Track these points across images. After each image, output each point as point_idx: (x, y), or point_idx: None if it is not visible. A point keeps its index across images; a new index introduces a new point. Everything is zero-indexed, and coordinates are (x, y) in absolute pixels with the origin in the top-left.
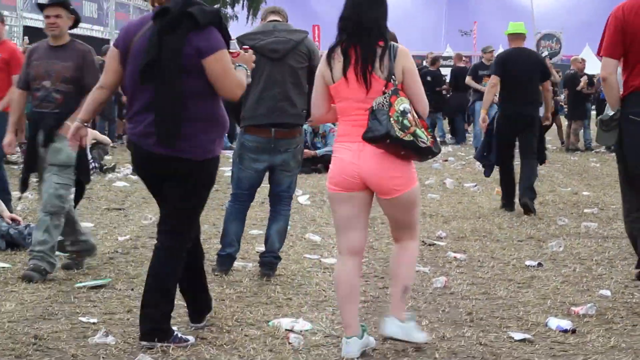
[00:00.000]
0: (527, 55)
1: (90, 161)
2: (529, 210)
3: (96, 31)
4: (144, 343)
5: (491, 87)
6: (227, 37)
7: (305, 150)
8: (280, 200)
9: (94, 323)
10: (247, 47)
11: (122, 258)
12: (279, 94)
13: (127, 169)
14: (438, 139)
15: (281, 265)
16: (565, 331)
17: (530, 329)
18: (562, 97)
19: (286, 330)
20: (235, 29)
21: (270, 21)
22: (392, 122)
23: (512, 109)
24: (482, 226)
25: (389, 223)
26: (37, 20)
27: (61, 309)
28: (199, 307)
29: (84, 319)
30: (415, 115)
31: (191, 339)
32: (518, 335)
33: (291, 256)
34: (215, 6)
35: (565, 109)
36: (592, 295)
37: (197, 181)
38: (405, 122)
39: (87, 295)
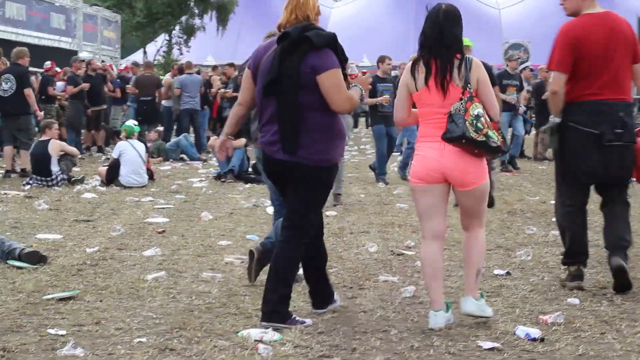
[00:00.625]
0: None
1: (59, 173)
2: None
3: (64, 42)
4: (263, 323)
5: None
6: (342, 58)
7: None
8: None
9: (62, 335)
10: (364, 71)
11: (91, 270)
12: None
13: (96, 180)
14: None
15: None
16: (534, 340)
17: (499, 337)
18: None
19: (255, 341)
20: (204, 40)
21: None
22: (467, 125)
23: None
24: (451, 235)
25: (461, 212)
26: None
27: (29, 321)
28: (320, 295)
29: (52, 331)
30: (487, 118)
31: (308, 321)
32: (487, 344)
33: None
34: (183, 17)
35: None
36: (560, 304)
37: (315, 185)
38: (479, 124)
39: (56, 307)
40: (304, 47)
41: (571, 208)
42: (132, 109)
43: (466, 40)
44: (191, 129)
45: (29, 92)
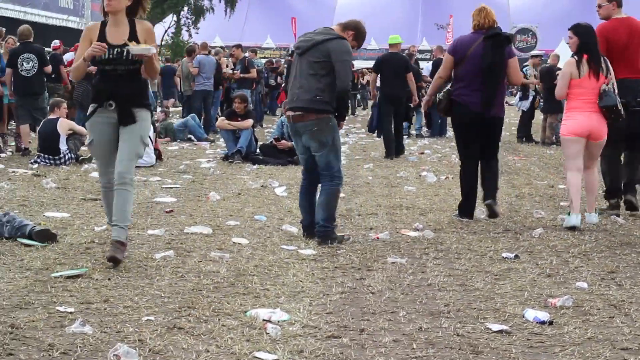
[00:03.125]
0: (397, 58)
1: (67, 152)
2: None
3: (72, 22)
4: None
5: (372, 81)
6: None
7: (282, 142)
8: (322, 178)
9: (71, 312)
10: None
11: (99, 248)
12: (298, 83)
13: None
14: (414, 132)
15: (258, 256)
16: (543, 323)
17: (507, 320)
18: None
19: (264, 320)
20: (212, 22)
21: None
22: (617, 98)
23: (389, 92)
24: (459, 218)
25: (588, 157)
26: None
27: (38, 298)
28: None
29: (61, 309)
30: None
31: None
32: (495, 327)
33: (268, 247)
34: None
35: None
36: (568, 288)
37: (500, 130)
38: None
39: (64, 284)
40: (505, 43)
41: (610, 158)
42: None
43: (397, 39)
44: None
45: (49, 70)
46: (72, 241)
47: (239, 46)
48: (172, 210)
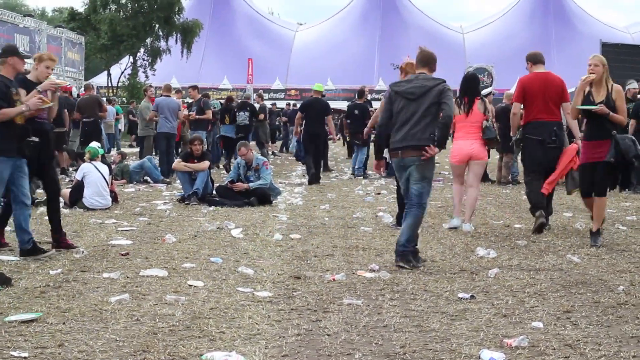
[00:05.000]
0: (320, 102)
1: None
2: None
3: (28, 64)
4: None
5: (297, 119)
6: None
7: (238, 184)
8: (411, 205)
9: (25, 358)
10: None
11: (54, 292)
12: (412, 123)
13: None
14: (355, 172)
15: (214, 298)
16: None
17: None
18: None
19: None
20: (169, 63)
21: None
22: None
23: (312, 131)
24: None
25: (470, 175)
26: None
27: None
28: None
29: (15, 354)
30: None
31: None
32: None
33: (224, 289)
34: (148, 40)
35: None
36: (524, 328)
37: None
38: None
39: (18, 329)
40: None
41: (530, 182)
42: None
43: (320, 86)
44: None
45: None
46: (27, 285)
47: (195, 87)
48: (127, 253)
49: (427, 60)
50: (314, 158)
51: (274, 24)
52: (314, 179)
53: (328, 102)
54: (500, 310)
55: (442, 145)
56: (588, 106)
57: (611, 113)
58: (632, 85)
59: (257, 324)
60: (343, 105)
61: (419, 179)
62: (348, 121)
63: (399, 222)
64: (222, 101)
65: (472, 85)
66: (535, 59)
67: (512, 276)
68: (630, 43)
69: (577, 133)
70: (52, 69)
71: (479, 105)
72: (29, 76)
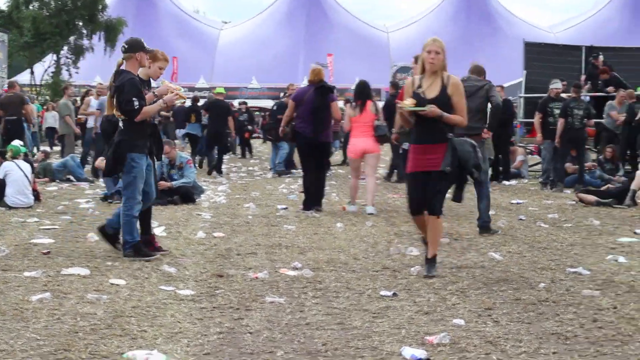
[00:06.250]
0: (222, 103)
1: None
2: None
3: None
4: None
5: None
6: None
7: (161, 182)
8: (480, 184)
9: None
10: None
11: None
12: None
13: None
14: (276, 168)
15: (136, 297)
16: None
17: (384, 358)
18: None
19: None
20: (92, 61)
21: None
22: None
23: (214, 130)
24: (338, 257)
25: (367, 167)
26: None
27: None
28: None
29: None
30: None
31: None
32: None
33: (146, 288)
34: (72, 37)
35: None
36: (446, 325)
37: (328, 151)
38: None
39: None
40: (329, 92)
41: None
42: None
43: (222, 89)
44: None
45: None
46: None
47: None
48: (49, 252)
49: (480, 71)
50: (218, 154)
51: (199, 23)
52: (213, 169)
53: (229, 102)
54: (422, 307)
55: (492, 129)
56: (413, 107)
57: (445, 115)
58: (556, 85)
59: (179, 322)
60: (268, 103)
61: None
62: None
63: (305, 207)
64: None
65: (364, 90)
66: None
67: (434, 273)
68: (554, 42)
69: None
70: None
71: (371, 107)
72: (139, 72)
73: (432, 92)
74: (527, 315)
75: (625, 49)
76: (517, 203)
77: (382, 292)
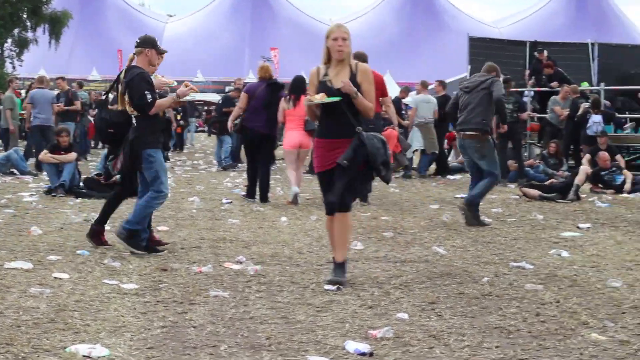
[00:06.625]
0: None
1: None
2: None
3: None
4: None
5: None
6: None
7: (105, 177)
8: (486, 174)
9: None
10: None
11: None
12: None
13: None
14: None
15: (79, 291)
16: (363, 354)
17: (328, 352)
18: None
19: (83, 356)
20: (37, 53)
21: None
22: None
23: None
24: (282, 251)
25: (300, 160)
26: None
27: None
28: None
29: None
30: None
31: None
32: (316, 359)
33: (90, 282)
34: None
35: None
36: (389, 319)
37: (273, 144)
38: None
39: None
40: (279, 88)
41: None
42: None
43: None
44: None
45: None
46: None
47: (62, 78)
48: None
49: (490, 69)
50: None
51: (144, 16)
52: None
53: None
54: (365, 301)
55: (504, 122)
56: (323, 101)
57: (360, 96)
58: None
59: (122, 316)
60: (213, 97)
61: (479, 157)
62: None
63: (248, 194)
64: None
65: (298, 84)
66: (361, 59)
67: (378, 268)
68: (499, 37)
69: (395, 121)
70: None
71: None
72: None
73: (340, 80)
74: (471, 309)
75: (569, 45)
76: (462, 197)
77: (326, 286)
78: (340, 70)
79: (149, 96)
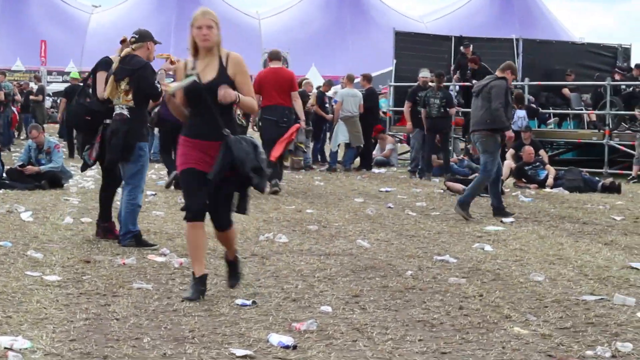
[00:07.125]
0: (78, 87)
1: None
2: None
3: None
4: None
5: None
6: None
7: (29, 167)
8: (480, 172)
9: None
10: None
11: None
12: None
13: None
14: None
15: (1, 282)
16: (287, 347)
17: (252, 345)
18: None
19: (5, 348)
20: None
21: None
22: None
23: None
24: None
25: None
26: None
27: None
28: None
29: None
30: None
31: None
32: (240, 352)
33: (12, 273)
34: None
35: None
36: (313, 312)
37: None
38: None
39: None
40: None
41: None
42: None
43: (75, 74)
44: None
45: None
46: None
47: None
48: None
49: (504, 67)
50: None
51: (69, 6)
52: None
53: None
54: (289, 294)
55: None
56: (178, 84)
57: (241, 97)
58: (424, 73)
59: (45, 308)
60: None
61: (483, 150)
62: None
63: (173, 185)
64: (15, 83)
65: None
66: (272, 56)
67: (302, 261)
68: (424, 32)
69: (302, 115)
70: None
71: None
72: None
73: (208, 74)
74: (394, 302)
75: (494, 40)
76: (386, 191)
77: (250, 278)
78: (209, 63)
79: (159, 86)
